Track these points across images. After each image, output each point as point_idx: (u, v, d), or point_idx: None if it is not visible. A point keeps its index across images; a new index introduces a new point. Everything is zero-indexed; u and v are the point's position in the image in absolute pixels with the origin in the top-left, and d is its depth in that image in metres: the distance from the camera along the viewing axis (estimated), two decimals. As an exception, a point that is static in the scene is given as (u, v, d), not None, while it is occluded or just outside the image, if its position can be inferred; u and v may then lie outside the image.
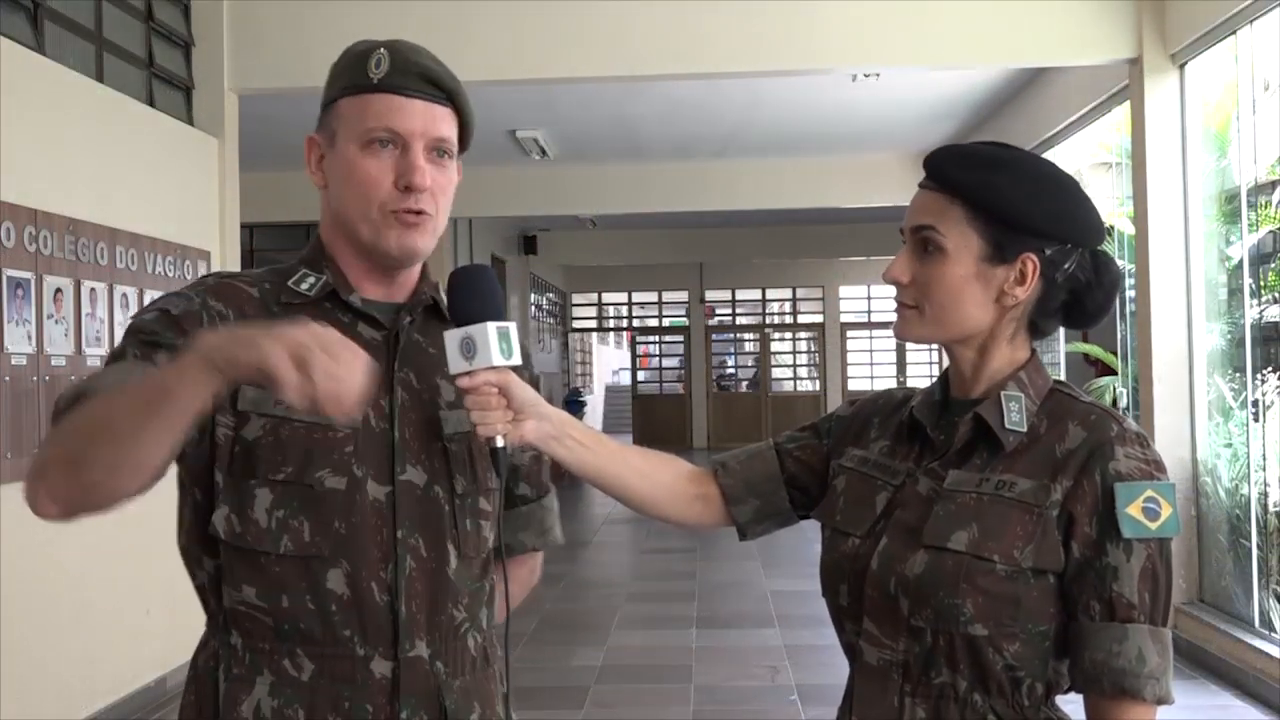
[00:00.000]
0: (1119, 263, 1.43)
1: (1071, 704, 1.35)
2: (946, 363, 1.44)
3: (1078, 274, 1.36)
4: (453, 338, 1.33)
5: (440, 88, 1.41)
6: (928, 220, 1.35)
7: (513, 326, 1.35)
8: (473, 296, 1.36)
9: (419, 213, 1.39)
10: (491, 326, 1.32)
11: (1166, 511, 1.27)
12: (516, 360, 1.34)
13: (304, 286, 1.41)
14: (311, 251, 1.46)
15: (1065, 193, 1.35)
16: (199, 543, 1.37)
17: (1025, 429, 1.33)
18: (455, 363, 1.33)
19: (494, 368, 1.32)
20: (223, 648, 1.36)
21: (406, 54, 1.41)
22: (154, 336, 1.33)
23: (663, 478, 1.52)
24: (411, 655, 1.37)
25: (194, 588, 1.41)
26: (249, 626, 1.34)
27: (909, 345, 18.90)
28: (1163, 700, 1.25)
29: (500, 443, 1.35)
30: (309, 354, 1.08)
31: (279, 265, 1.48)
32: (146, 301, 5.73)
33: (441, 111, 1.42)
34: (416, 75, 1.40)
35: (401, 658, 1.36)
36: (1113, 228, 6.51)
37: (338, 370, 1.09)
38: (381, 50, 1.40)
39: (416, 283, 1.48)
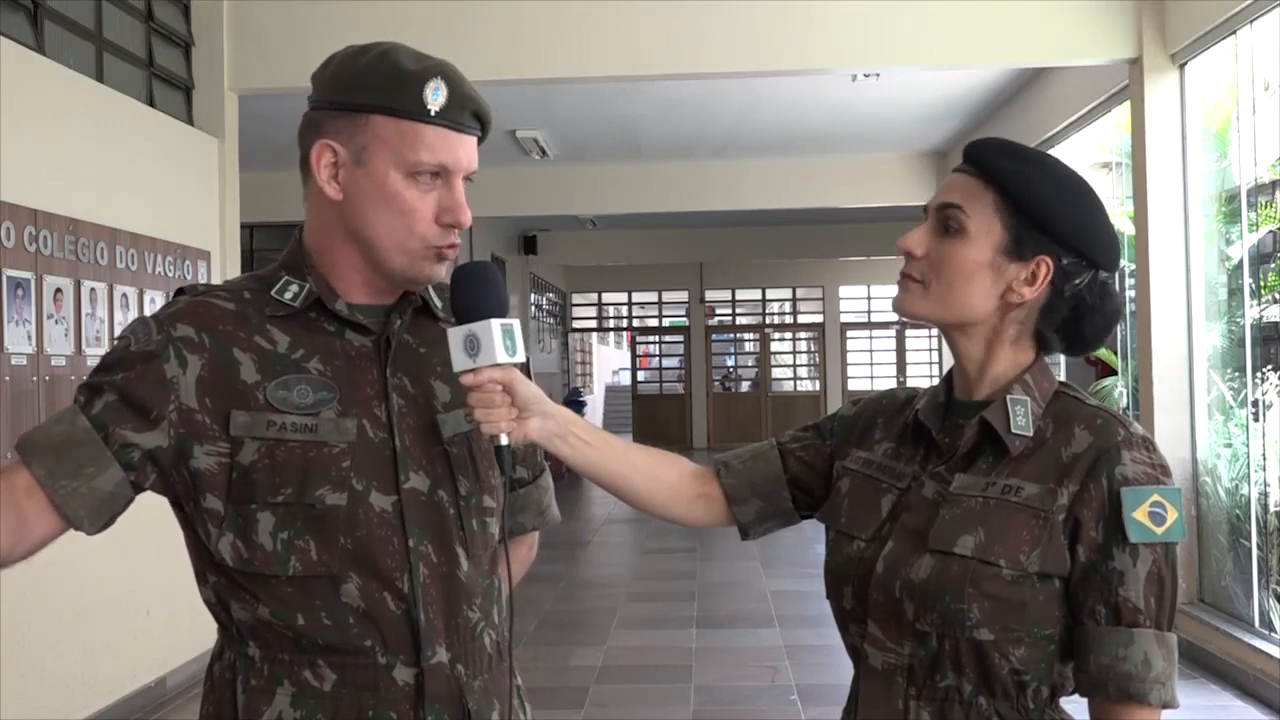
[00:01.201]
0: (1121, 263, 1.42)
1: (1074, 705, 1.35)
2: (949, 364, 1.43)
3: (1085, 294, 1.35)
4: (456, 335, 1.32)
5: (483, 123, 1.40)
6: (957, 199, 1.35)
7: (516, 323, 1.34)
8: (476, 293, 1.34)
9: (454, 247, 1.39)
10: (496, 323, 1.31)
11: (1172, 516, 1.27)
12: (521, 357, 1.34)
13: (288, 296, 1.38)
14: (292, 256, 1.42)
15: (1095, 211, 1.35)
16: (197, 561, 1.37)
17: (1031, 433, 1.33)
18: (459, 360, 1.32)
19: (498, 365, 1.32)
20: (239, 658, 1.34)
21: (460, 85, 1.36)
22: (102, 378, 1.33)
23: (666, 477, 1.52)
24: (434, 662, 1.36)
25: (202, 601, 1.39)
26: (267, 638, 1.33)
27: (909, 345, 18.94)
28: (1168, 705, 1.25)
29: (504, 440, 1.34)
30: None
31: (260, 271, 1.44)
32: (147, 302, 5.70)
33: (475, 143, 1.41)
34: (471, 112, 1.37)
35: (424, 665, 1.35)
36: (1113, 228, 6.50)
37: None
38: (439, 80, 1.34)
39: None
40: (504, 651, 1.47)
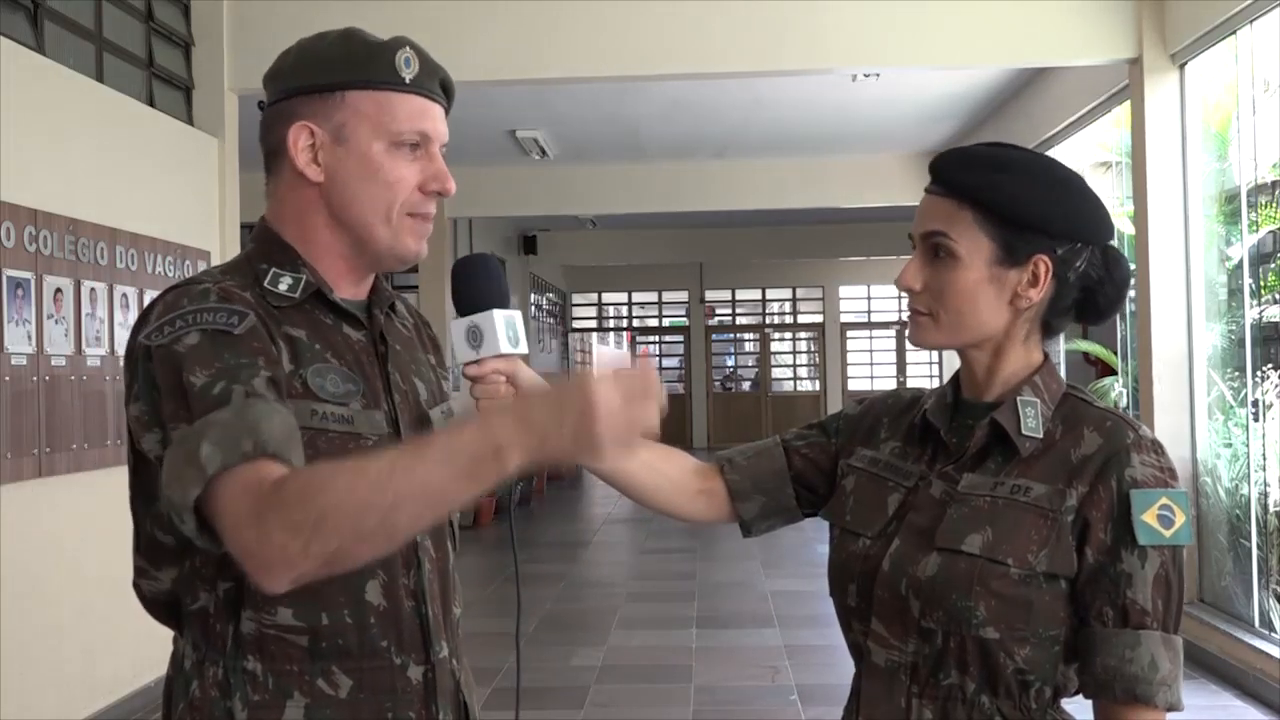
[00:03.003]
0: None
1: (1075, 705, 1.35)
2: (950, 363, 1.44)
3: (1089, 271, 1.35)
4: (459, 326, 1.32)
5: (449, 94, 1.41)
6: (938, 226, 1.34)
7: (518, 315, 1.34)
8: (477, 285, 1.34)
9: (431, 217, 1.38)
10: (498, 314, 1.31)
11: (1180, 519, 1.27)
12: (523, 349, 1.33)
13: (283, 287, 1.33)
14: (273, 247, 1.36)
15: (1073, 191, 1.35)
16: (214, 565, 1.27)
17: (1041, 434, 1.33)
18: (462, 352, 1.32)
19: (501, 355, 1.31)
20: (233, 674, 1.28)
21: (426, 55, 1.37)
22: (237, 369, 1.20)
23: (668, 471, 1.52)
24: (441, 656, 1.37)
25: (189, 614, 1.31)
26: (273, 650, 1.28)
27: (909, 345, 18.89)
28: (1173, 707, 1.25)
29: None
30: (631, 424, 1.09)
31: (228, 264, 1.38)
32: (146, 301, 5.75)
33: (444, 115, 1.41)
34: (439, 80, 1.38)
35: (434, 660, 1.36)
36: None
37: (646, 415, 1.10)
38: (409, 49, 1.35)
39: (374, 279, 1.45)
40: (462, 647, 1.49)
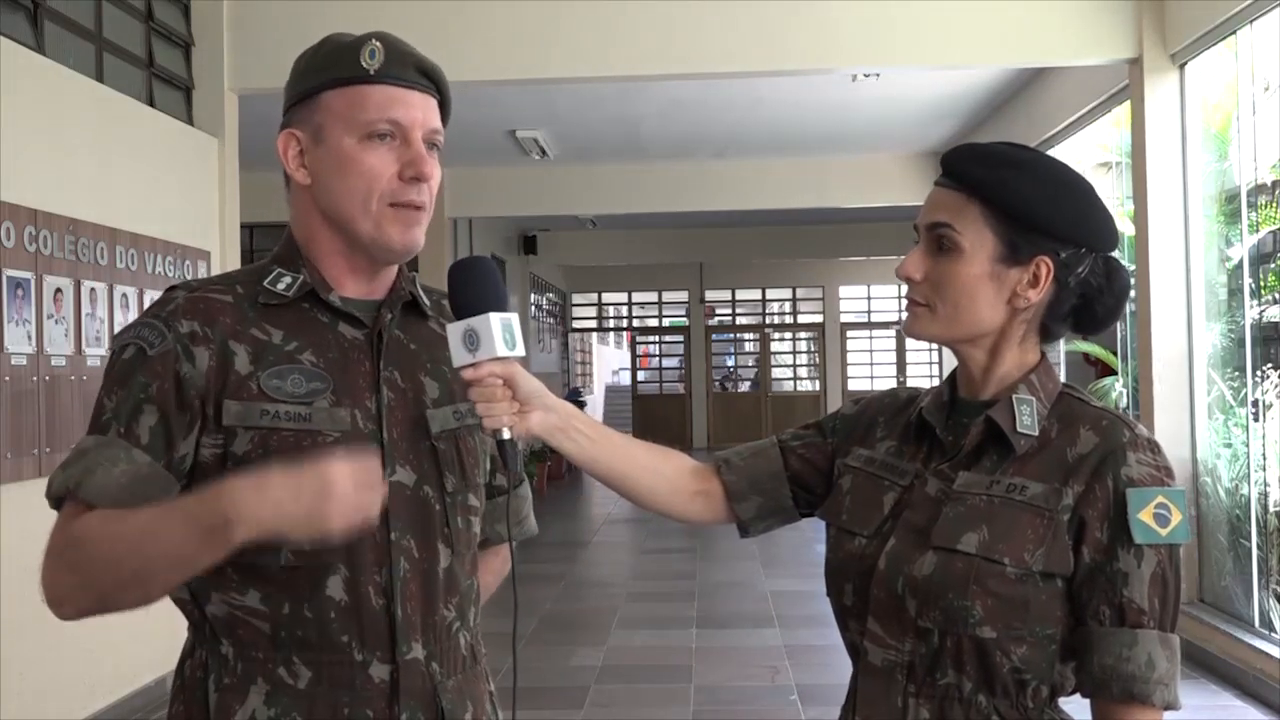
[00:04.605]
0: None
1: (1074, 705, 1.35)
2: (949, 363, 1.44)
3: (1090, 279, 1.35)
4: (455, 330, 1.32)
5: (432, 79, 1.41)
6: (944, 217, 1.35)
7: (515, 317, 1.34)
8: (473, 288, 1.34)
9: (419, 206, 1.39)
10: (495, 317, 1.31)
11: (1177, 518, 1.27)
12: (520, 351, 1.33)
13: (280, 286, 1.39)
14: (285, 249, 1.43)
15: (1082, 196, 1.35)
16: None
17: (1037, 433, 1.33)
18: (459, 355, 1.32)
19: (498, 359, 1.31)
20: (211, 656, 1.34)
21: (397, 44, 1.39)
22: (133, 394, 1.32)
23: (666, 472, 1.52)
24: (409, 658, 1.36)
25: (171, 599, 1.37)
26: (241, 634, 1.32)
27: (909, 345, 18.94)
28: (1171, 706, 1.25)
29: (507, 435, 1.33)
30: (358, 508, 1.19)
31: (252, 265, 1.46)
32: (147, 302, 5.71)
33: (433, 103, 1.41)
34: (413, 67, 1.39)
35: (399, 660, 1.35)
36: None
37: (364, 506, 1.20)
38: (374, 41, 1.37)
39: (395, 278, 1.46)
40: (478, 654, 1.47)
